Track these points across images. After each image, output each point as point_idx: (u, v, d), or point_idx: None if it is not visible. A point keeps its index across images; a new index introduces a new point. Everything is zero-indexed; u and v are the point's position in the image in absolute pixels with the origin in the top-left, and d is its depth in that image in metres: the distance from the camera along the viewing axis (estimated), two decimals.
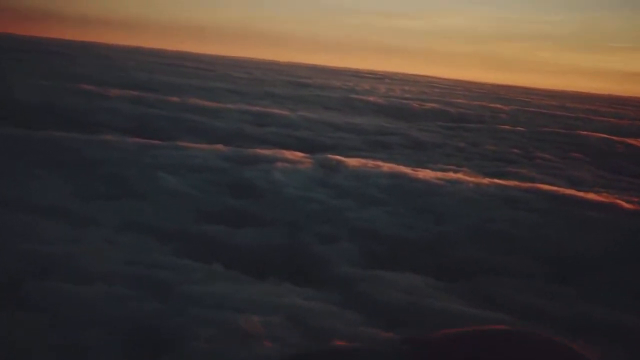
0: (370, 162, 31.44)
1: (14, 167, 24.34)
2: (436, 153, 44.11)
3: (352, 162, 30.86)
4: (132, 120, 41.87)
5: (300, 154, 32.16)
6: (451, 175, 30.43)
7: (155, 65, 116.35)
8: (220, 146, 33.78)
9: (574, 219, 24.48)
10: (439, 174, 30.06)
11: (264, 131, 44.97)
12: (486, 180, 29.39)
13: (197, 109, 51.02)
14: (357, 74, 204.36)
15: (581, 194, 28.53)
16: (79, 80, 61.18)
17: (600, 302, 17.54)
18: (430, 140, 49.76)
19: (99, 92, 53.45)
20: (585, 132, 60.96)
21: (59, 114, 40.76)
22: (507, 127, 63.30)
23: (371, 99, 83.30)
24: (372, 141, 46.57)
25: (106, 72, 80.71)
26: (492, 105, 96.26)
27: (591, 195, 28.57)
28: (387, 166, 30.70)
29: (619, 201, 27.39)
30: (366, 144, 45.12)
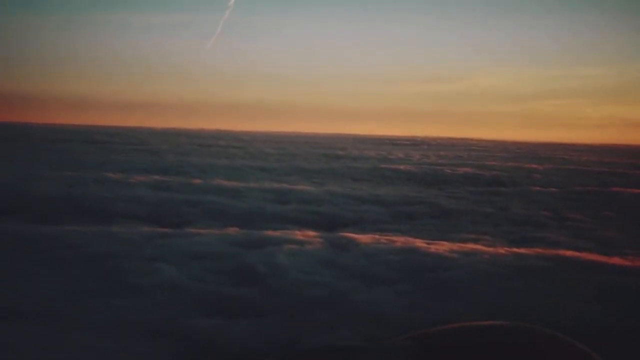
0: (384, 238, 30.48)
1: (9, 266, 23.82)
2: (462, 221, 42.90)
3: (365, 238, 29.93)
4: (149, 207, 41.48)
5: (312, 233, 31.30)
6: (468, 246, 29.30)
7: (188, 146, 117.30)
8: (234, 229, 33.23)
9: (594, 287, 23.19)
10: (455, 246, 28.94)
11: (284, 209, 44.28)
12: (503, 250, 28.24)
13: (219, 190, 50.68)
14: (395, 142, 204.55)
15: (604, 258, 27.20)
16: (104, 169, 61.58)
17: None
18: (458, 207, 48.62)
19: (122, 179, 53.51)
20: (618, 189, 59.37)
21: (75, 206, 40.45)
22: (539, 188, 61.94)
23: (402, 167, 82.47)
24: (397, 212, 45.61)
25: (135, 158, 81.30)
26: (527, 165, 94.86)
27: (615, 260, 27.25)
28: (400, 241, 29.69)
29: None
30: (390, 216, 44.15)
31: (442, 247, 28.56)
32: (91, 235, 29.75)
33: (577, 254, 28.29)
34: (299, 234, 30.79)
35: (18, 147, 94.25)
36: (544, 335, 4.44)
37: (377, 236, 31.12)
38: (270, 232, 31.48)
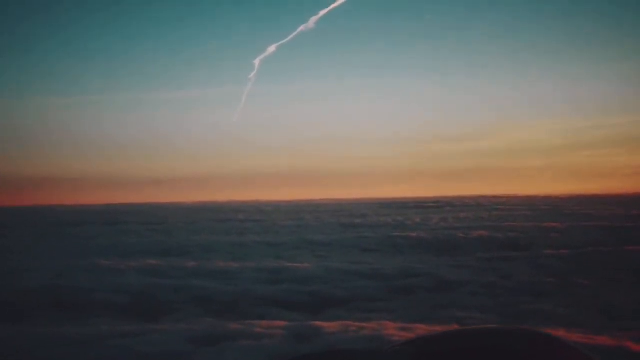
0: (355, 324, 28.50)
1: None
2: (460, 293, 40.86)
3: (332, 326, 27.98)
4: (129, 297, 39.83)
5: (279, 323, 29.44)
6: (446, 329, 27.22)
7: (204, 223, 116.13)
8: (207, 319, 31.89)
9: None
10: (430, 330, 26.88)
11: (273, 290, 42.49)
12: None
13: (211, 273, 49.03)
14: (421, 204, 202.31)
15: (587, 339, 25.03)
16: (101, 254, 60.38)
17: None
18: (459, 278, 46.40)
19: (114, 266, 52.04)
20: (633, 247, 56.82)
21: (51, 300, 38.85)
22: (550, 251, 59.50)
23: (414, 234, 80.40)
24: (393, 287, 43.55)
25: (142, 239, 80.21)
26: (547, 224, 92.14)
27: (602, 339, 25.08)
28: (371, 327, 27.73)
29: (628, 344, 23.82)
30: (384, 292, 42.12)
31: (415, 332, 26.52)
32: (45, 337, 28.17)
33: (560, 333, 26.09)
34: (264, 324, 28.96)
35: (25, 233, 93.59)
36: (545, 339, 4.31)
37: (349, 322, 29.16)
38: (234, 325, 29.57)
